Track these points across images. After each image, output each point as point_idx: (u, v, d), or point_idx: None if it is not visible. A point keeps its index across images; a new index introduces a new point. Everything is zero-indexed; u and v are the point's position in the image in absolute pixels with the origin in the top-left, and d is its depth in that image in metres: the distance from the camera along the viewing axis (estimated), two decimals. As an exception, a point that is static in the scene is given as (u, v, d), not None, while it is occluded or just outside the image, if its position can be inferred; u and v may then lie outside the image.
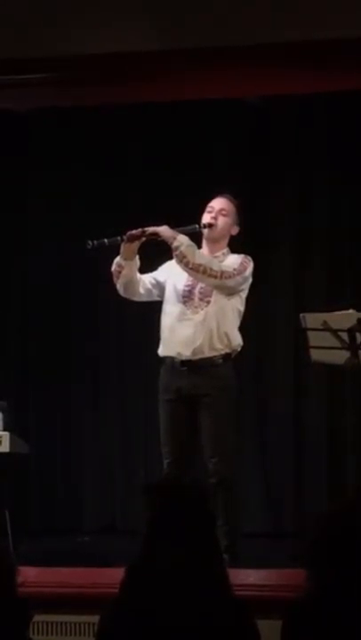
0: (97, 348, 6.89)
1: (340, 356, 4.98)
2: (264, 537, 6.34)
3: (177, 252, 5.08)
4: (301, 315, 5.07)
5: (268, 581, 4.58)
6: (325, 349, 4.99)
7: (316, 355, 5.09)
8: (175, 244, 5.08)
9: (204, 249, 5.27)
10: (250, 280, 5.22)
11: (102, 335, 6.88)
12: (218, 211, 5.23)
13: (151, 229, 5.12)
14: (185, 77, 5.24)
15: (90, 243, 5.07)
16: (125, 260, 5.15)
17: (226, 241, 5.29)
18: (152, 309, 5.41)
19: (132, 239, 5.11)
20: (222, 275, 5.08)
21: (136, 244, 5.13)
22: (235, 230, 5.29)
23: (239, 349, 5.21)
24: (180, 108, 6.20)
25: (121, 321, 6.75)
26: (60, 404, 6.85)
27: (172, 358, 5.15)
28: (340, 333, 4.92)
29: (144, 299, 5.32)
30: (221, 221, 5.23)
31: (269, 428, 6.68)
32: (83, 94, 5.49)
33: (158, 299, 5.30)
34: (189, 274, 5.12)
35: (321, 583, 2.40)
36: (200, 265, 5.07)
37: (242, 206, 5.35)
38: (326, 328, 4.94)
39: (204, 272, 5.07)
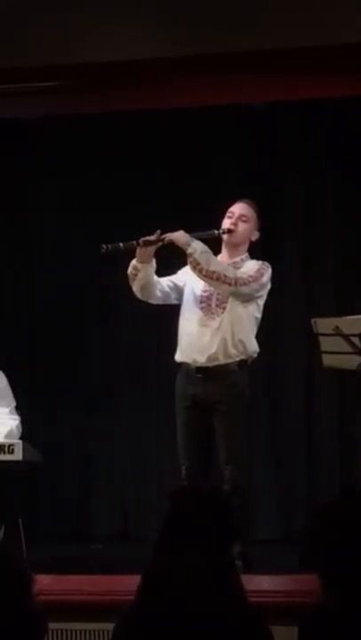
0: (108, 354, 6.89)
1: (352, 361, 4.97)
2: (276, 543, 6.32)
3: (190, 259, 5.08)
4: (313, 320, 5.05)
5: (282, 587, 4.57)
6: (337, 354, 4.98)
7: (327, 360, 5.07)
8: (189, 250, 5.07)
9: (224, 254, 5.26)
10: (268, 287, 5.20)
11: (114, 342, 6.88)
12: (238, 216, 5.21)
13: (167, 235, 5.12)
14: (190, 84, 5.23)
15: (104, 247, 5.06)
16: (142, 263, 5.14)
17: (246, 247, 5.28)
18: (164, 317, 5.42)
19: (148, 244, 5.10)
20: (237, 282, 5.06)
21: (152, 249, 5.12)
22: (255, 236, 5.28)
23: (255, 356, 5.21)
24: (184, 113, 6.19)
25: (133, 328, 6.75)
26: (71, 410, 6.85)
27: (187, 364, 5.15)
28: (351, 338, 4.91)
29: (161, 302, 5.30)
30: (241, 227, 5.21)
31: (281, 432, 6.67)
32: (89, 102, 5.49)
33: (176, 302, 5.28)
34: (204, 281, 5.11)
35: (335, 587, 2.40)
36: (214, 272, 5.05)
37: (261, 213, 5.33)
38: (338, 333, 4.93)
39: (218, 279, 5.05)
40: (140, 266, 5.14)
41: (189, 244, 5.08)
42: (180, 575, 2.35)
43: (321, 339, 5.00)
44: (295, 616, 2.49)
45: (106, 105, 5.56)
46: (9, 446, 5.49)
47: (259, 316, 5.21)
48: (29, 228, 7.03)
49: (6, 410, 5.84)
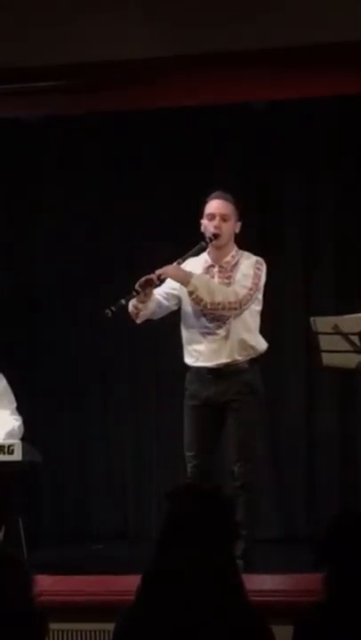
0: (108, 354, 6.88)
1: (352, 360, 4.97)
2: (277, 542, 6.32)
3: (193, 297, 5.08)
4: (312, 318, 5.05)
5: (284, 587, 4.57)
6: (337, 353, 4.98)
7: (327, 359, 5.07)
8: (189, 288, 5.09)
9: (212, 255, 5.25)
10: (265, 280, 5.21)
11: (114, 343, 6.86)
12: (219, 218, 5.18)
13: (163, 275, 5.11)
14: (189, 83, 5.21)
15: (109, 311, 5.06)
16: (142, 302, 5.15)
17: (232, 242, 5.26)
18: (164, 318, 5.39)
19: (145, 287, 5.09)
20: (241, 302, 5.09)
21: (150, 289, 5.13)
22: (238, 228, 5.25)
23: (264, 352, 5.22)
24: (185, 112, 6.18)
25: (133, 329, 6.70)
26: (70, 410, 6.85)
27: (197, 367, 5.16)
28: (351, 337, 4.91)
29: (163, 315, 5.32)
30: (225, 228, 5.19)
31: (281, 431, 6.66)
32: (91, 101, 5.48)
33: (175, 308, 5.29)
34: (209, 313, 5.11)
35: (336, 587, 2.40)
36: (218, 303, 5.06)
37: (239, 201, 5.29)
38: (337, 331, 4.93)
39: (223, 308, 5.08)
40: (141, 305, 5.16)
41: (188, 282, 5.09)
42: (179, 575, 2.35)
43: (320, 337, 5.00)
44: (296, 615, 2.48)
45: (101, 105, 5.55)
46: (9, 447, 5.49)
47: (260, 308, 5.23)
48: (29, 229, 7.01)
49: (8, 410, 5.85)
